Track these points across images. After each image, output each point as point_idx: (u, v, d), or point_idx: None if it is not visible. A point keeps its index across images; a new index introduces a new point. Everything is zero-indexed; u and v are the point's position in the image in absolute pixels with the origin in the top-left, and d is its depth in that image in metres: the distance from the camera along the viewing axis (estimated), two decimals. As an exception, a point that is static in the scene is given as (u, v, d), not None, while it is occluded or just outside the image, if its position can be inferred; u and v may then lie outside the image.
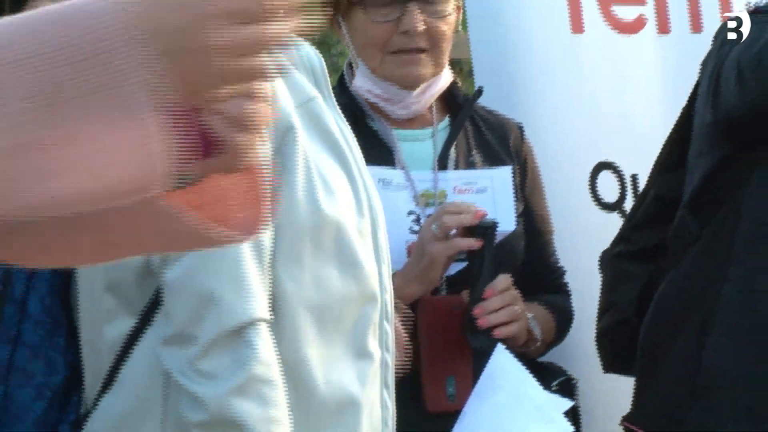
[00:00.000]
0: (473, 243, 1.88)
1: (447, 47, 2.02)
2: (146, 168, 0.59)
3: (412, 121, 2.06)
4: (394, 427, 1.50)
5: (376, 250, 1.47)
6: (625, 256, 2.22)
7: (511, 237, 2.05)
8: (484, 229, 1.89)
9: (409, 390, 1.76)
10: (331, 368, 1.40)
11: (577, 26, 2.38)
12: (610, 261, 2.23)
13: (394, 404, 1.49)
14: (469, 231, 1.90)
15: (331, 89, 1.51)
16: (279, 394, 1.32)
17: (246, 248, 1.29)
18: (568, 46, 2.40)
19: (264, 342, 1.32)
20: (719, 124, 2.00)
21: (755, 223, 1.98)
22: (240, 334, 1.31)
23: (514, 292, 1.96)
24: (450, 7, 2.00)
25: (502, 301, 1.92)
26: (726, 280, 2.01)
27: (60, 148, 0.58)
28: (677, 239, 2.11)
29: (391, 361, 1.49)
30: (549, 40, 2.36)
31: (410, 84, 1.99)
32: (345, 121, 1.51)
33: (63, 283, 1.50)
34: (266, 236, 1.31)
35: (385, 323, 1.48)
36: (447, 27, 1.99)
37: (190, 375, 1.32)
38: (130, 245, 0.74)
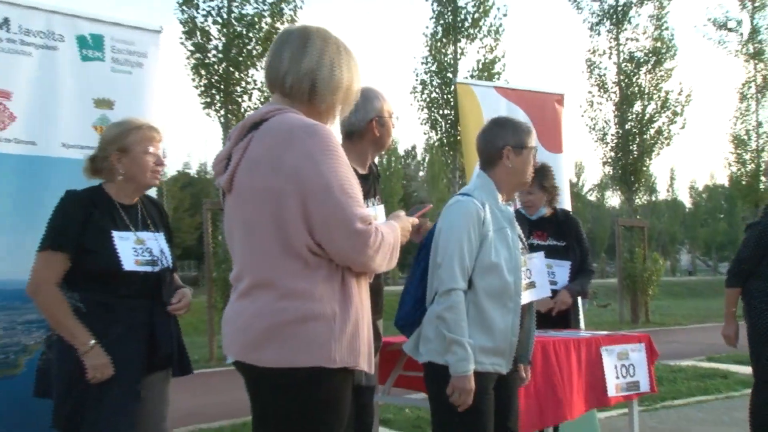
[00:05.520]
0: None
1: None
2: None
3: None
4: (517, 335, 3.65)
5: (515, 275, 3.61)
6: None
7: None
8: None
9: None
10: (492, 309, 3.55)
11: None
12: None
13: (519, 323, 3.65)
14: None
15: (515, 225, 3.75)
16: (463, 313, 3.47)
17: (456, 265, 3.50)
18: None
19: (459, 296, 3.50)
20: None
21: None
22: (449, 291, 3.49)
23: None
24: None
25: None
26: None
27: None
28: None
29: (516, 306, 3.62)
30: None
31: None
32: (520, 236, 3.80)
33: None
34: (468, 263, 3.51)
35: (516, 296, 3.61)
36: None
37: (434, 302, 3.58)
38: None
